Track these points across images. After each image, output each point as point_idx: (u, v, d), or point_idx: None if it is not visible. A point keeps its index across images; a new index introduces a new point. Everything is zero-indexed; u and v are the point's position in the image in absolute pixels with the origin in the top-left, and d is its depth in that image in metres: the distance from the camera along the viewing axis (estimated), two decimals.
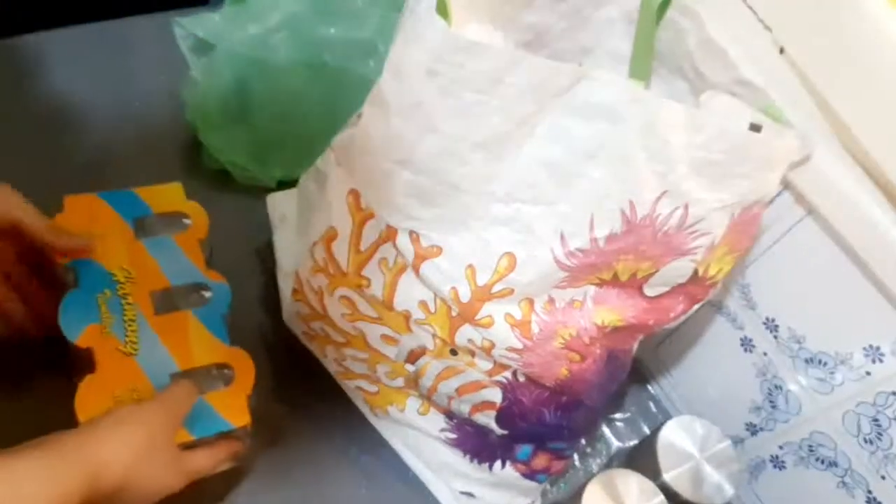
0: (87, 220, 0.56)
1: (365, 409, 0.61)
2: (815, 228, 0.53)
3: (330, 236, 0.50)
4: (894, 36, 0.46)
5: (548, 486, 0.62)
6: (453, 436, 0.57)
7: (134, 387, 0.50)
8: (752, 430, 0.63)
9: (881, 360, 0.52)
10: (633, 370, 0.71)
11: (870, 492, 0.55)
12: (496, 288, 0.47)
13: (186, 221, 0.59)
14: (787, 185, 0.53)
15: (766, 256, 0.57)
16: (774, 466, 0.62)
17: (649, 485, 0.52)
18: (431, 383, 0.53)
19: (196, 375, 0.52)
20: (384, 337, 0.53)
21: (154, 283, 0.55)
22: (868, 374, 0.53)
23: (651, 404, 0.70)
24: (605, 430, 0.67)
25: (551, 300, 0.48)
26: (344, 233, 0.49)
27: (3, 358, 0.56)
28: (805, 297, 0.56)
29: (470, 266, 0.46)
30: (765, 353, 0.60)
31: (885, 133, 0.47)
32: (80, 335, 0.50)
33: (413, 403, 0.57)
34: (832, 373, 0.55)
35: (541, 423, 0.53)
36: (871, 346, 0.52)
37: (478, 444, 0.57)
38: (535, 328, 0.48)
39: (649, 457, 0.56)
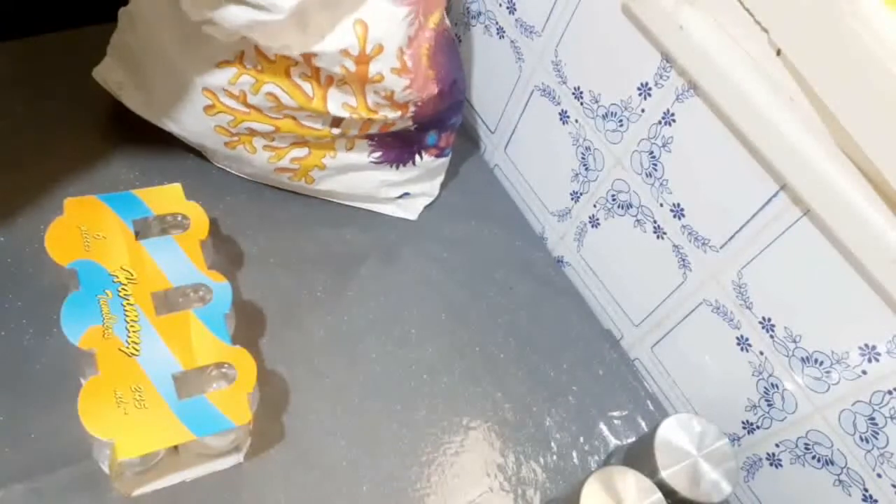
0: (87, 222, 0.56)
1: (301, 186, 0.72)
2: (811, 229, 0.53)
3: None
4: (891, 37, 0.46)
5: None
6: (378, 153, 0.71)
7: (137, 387, 0.50)
8: (749, 428, 0.64)
9: (877, 360, 0.52)
10: (630, 369, 0.72)
11: (866, 490, 0.55)
12: (369, 50, 0.59)
13: (186, 222, 0.60)
14: (783, 185, 0.54)
15: (762, 256, 0.57)
16: (771, 464, 0.63)
17: (647, 482, 0.53)
18: (357, 132, 0.67)
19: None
20: (310, 116, 0.64)
21: (155, 284, 0.55)
22: (864, 373, 0.53)
23: (648, 402, 0.70)
24: (603, 427, 0.67)
25: (409, 39, 0.61)
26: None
27: (10, 358, 0.56)
28: (801, 297, 0.56)
29: (344, 50, 0.58)
30: (761, 353, 0.61)
31: (881, 134, 0.47)
32: (82, 337, 0.51)
33: (341, 145, 0.69)
34: (828, 372, 0.56)
35: (443, 105, 0.68)
36: (867, 346, 0.52)
37: (398, 152, 0.72)
38: (409, 63, 0.61)
39: (647, 454, 0.56)
